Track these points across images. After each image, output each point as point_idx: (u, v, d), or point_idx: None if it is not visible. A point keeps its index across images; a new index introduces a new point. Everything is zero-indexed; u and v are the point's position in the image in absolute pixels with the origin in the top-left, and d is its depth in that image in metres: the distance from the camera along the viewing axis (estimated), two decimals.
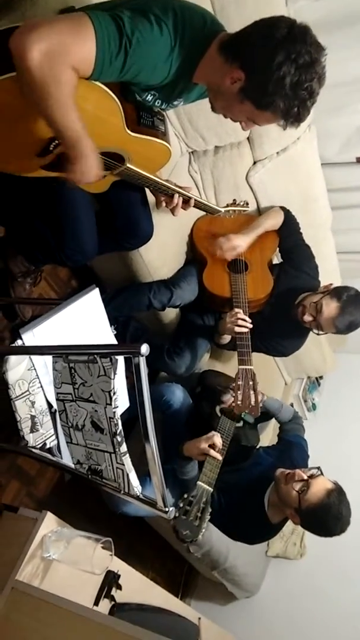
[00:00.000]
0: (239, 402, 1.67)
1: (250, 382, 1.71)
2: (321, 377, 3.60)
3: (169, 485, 1.90)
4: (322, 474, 1.69)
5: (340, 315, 1.92)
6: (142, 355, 1.02)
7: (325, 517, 1.59)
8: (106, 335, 1.64)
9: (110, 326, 2.28)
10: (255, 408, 1.67)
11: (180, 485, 1.82)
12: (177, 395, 2.01)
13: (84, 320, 1.54)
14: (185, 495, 1.48)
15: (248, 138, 2.21)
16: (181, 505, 1.45)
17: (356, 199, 2.69)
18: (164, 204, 1.65)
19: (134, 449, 2.32)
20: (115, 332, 2.30)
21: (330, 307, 1.92)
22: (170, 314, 2.26)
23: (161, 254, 2.04)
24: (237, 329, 1.85)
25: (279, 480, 1.71)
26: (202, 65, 1.20)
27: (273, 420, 2.21)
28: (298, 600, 2.78)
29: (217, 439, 1.63)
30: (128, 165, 1.33)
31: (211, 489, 1.53)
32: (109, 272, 2.12)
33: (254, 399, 1.67)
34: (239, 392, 1.69)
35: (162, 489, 1.08)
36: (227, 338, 2.04)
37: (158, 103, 1.28)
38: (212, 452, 1.61)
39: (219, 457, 1.60)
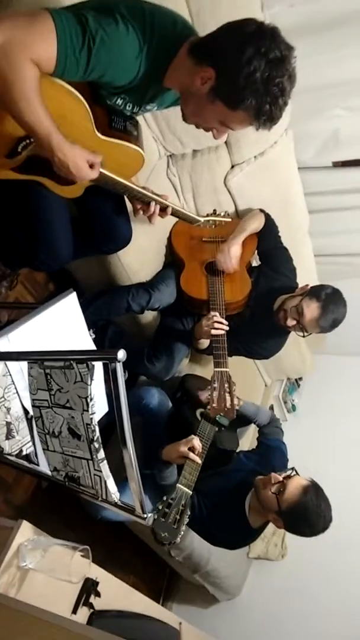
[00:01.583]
0: (214, 405, 1.68)
1: (226, 385, 1.71)
2: (301, 379, 3.63)
3: (148, 491, 1.90)
4: (297, 474, 1.70)
5: (323, 314, 1.94)
6: (119, 361, 1.01)
7: (306, 514, 1.60)
8: (84, 340, 1.62)
9: (89, 330, 2.28)
10: (231, 410, 1.67)
11: (160, 490, 1.82)
12: (157, 398, 2.00)
13: (61, 325, 1.53)
14: (165, 498, 1.48)
15: (226, 142, 2.22)
16: (160, 507, 1.45)
17: (332, 203, 2.73)
18: (140, 212, 1.63)
19: (114, 454, 2.32)
20: (93, 337, 2.30)
21: (311, 309, 1.93)
22: (149, 317, 2.25)
23: (139, 257, 2.04)
24: (213, 332, 1.85)
25: (257, 487, 1.72)
26: (172, 69, 1.19)
27: (253, 425, 2.22)
28: (280, 600, 2.80)
29: (197, 442, 1.64)
30: (101, 170, 1.32)
31: (190, 492, 1.53)
32: (87, 275, 2.11)
33: (229, 401, 1.68)
34: (214, 394, 1.69)
35: (140, 495, 1.07)
36: (205, 343, 2.04)
37: (129, 107, 1.27)
38: (192, 455, 1.61)
39: (198, 460, 1.61)
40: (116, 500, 1.12)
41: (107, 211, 1.64)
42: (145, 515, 1.08)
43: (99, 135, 1.23)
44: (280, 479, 1.66)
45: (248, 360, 3.04)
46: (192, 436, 1.67)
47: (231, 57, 1.08)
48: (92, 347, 1.65)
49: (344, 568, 2.76)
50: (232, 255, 2.04)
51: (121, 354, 1.00)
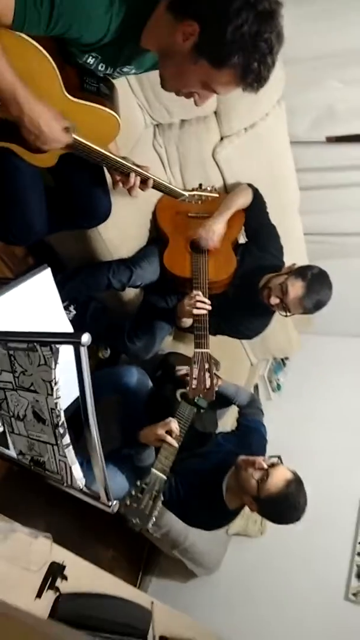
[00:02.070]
0: (193, 386, 1.64)
1: (206, 366, 1.67)
2: (287, 358, 3.61)
3: (127, 471, 1.88)
4: (282, 463, 1.68)
5: (307, 294, 1.88)
6: (83, 345, 0.96)
7: (283, 507, 1.59)
8: (58, 318, 1.56)
9: (70, 306, 2.21)
10: (210, 392, 1.64)
11: (137, 471, 1.80)
12: (136, 377, 1.96)
13: (35, 302, 1.46)
14: (138, 483, 1.45)
15: (215, 112, 2.12)
16: (132, 493, 1.42)
17: (325, 180, 2.65)
18: (120, 184, 1.55)
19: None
20: (74, 313, 2.23)
21: (295, 287, 1.88)
22: (132, 294, 2.19)
23: (121, 232, 1.96)
24: (195, 312, 1.80)
25: (239, 467, 1.69)
26: (149, 27, 1.10)
27: (233, 406, 2.19)
28: (257, 577, 2.83)
29: (174, 425, 1.60)
30: (73, 135, 1.24)
31: (165, 477, 1.50)
32: (68, 250, 2.03)
33: (208, 382, 1.64)
34: (193, 375, 1.65)
35: (104, 482, 1.04)
36: (188, 322, 1.99)
37: (102, 67, 1.17)
38: (168, 439, 1.57)
39: (175, 443, 1.57)
40: (81, 487, 1.09)
41: (85, 183, 1.56)
42: (110, 503, 1.05)
43: (69, 96, 1.14)
44: (265, 466, 1.64)
45: (233, 339, 3.02)
46: (170, 419, 1.63)
47: (217, 8, 0.99)
48: (67, 325, 1.59)
49: (320, 547, 2.79)
50: (215, 232, 1.98)
51: (85, 338, 0.95)
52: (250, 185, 2.19)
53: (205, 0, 1.00)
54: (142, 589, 2.86)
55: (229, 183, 2.30)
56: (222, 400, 2.09)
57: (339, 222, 2.86)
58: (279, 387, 3.49)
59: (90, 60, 1.14)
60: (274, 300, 1.91)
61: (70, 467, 1.08)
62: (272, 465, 1.63)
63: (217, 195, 1.90)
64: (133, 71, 1.28)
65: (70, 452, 1.07)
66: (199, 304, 1.82)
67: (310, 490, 2.43)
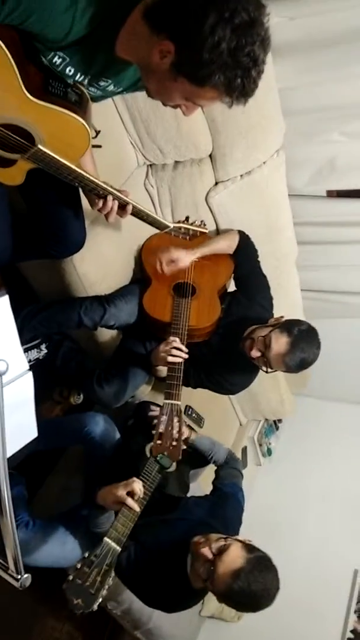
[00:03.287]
0: (158, 442, 1.45)
1: (175, 420, 1.49)
2: (280, 421, 3.39)
3: (79, 537, 1.65)
4: (237, 540, 1.43)
5: (291, 351, 1.72)
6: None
7: (238, 601, 1.35)
8: (11, 347, 1.41)
9: (41, 344, 2.07)
10: (176, 450, 1.44)
11: (92, 538, 1.57)
12: (101, 426, 1.77)
13: None
14: (87, 554, 1.20)
15: (210, 156, 2.06)
16: (79, 566, 1.18)
17: (324, 235, 2.56)
18: (100, 204, 1.43)
19: (54, 483, 2.08)
20: (45, 352, 2.09)
21: (279, 343, 1.72)
22: (108, 337, 2.04)
23: (100, 268, 1.85)
24: (170, 359, 1.64)
25: (193, 552, 1.46)
26: (124, 33, 1.02)
27: (210, 465, 1.97)
28: None
29: (137, 486, 1.35)
30: (39, 147, 1.13)
31: (119, 549, 1.26)
32: (41, 282, 1.92)
33: (176, 439, 1.45)
34: (160, 429, 1.47)
35: (13, 547, 0.84)
36: (164, 370, 1.81)
37: (70, 71, 1.08)
38: (129, 501, 1.32)
39: (137, 507, 1.33)
40: None
41: (56, 208, 1.45)
42: (18, 577, 0.85)
43: (29, 95, 1.03)
44: (210, 556, 1.39)
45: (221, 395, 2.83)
46: (134, 478, 1.39)
47: (191, 27, 0.91)
48: (21, 357, 1.43)
49: (309, 630, 2.48)
50: (171, 257, 1.85)
51: (2, 366, 0.79)
52: (240, 231, 2.08)
53: (178, 17, 0.93)
54: None
55: (222, 228, 2.20)
56: (197, 458, 1.88)
57: (338, 279, 2.74)
58: (269, 451, 3.25)
59: (57, 60, 1.05)
60: (255, 354, 1.75)
61: None
62: (221, 550, 1.37)
63: (205, 230, 1.79)
64: (111, 87, 1.19)
65: None
66: (174, 351, 1.66)
67: (300, 565, 2.16)
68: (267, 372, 1.80)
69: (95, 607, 1.15)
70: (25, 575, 0.86)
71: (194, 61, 0.94)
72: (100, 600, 1.16)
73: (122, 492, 1.34)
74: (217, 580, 1.33)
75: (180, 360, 1.65)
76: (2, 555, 0.89)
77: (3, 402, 0.82)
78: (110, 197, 1.40)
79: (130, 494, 1.34)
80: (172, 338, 1.70)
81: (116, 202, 1.43)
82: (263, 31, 0.93)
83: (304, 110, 2.15)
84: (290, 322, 1.78)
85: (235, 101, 1.01)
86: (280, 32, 1.95)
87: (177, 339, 1.70)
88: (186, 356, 1.67)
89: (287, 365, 1.72)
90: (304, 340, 1.72)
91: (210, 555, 1.36)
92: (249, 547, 1.41)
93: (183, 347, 1.68)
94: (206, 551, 1.37)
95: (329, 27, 1.93)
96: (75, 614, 1.15)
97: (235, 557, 1.36)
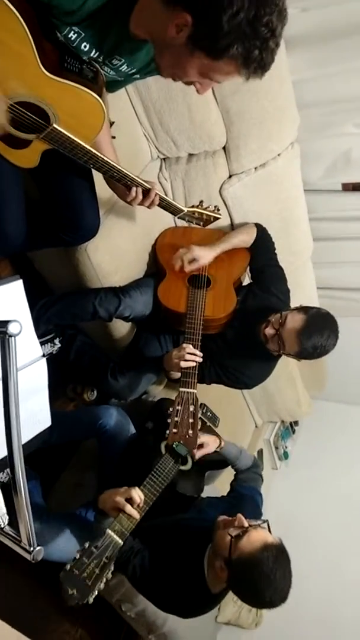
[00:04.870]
0: (174, 430, 1.41)
1: (191, 408, 1.45)
2: (296, 424, 3.32)
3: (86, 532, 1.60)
4: (268, 528, 1.40)
5: (306, 329, 1.65)
6: (11, 336, 0.78)
7: (254, 574, 1.28)
8: (25, 332, 1.39)
9: (55, 339, 2.05)
10: (193, 439, 1.40)
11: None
12: (115, 418, 1.74)
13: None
14: (87, 544, 1.16)
15: (224, 148, 2.05)
16: (78, 556, 1.13)
17: (340, 230, 2.52)
18: (133, 195, 1.47)
19: (68, 479, 2.04)
20: (59, 346, 2.07)
21: (295, 319, 1.67)
22: (124, 330, 2.02)
23: (114, 259, 1.83)
24: (183, 364, 1.60)
25: (217, 527, 1.42)
26: (138, 9, 1.01)
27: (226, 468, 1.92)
28: None
29: (135, 494, 1.30)
30: (54, 125, 1.13)
31: (121, 542, 1.21)
32: (55, 273, 1.91)
33: (192, 428, 1.41)
34: (175, 418, 1.43)
35: (27, 524, 0.81)
36: (176, 374, 1.78)
37: (85, 47, 1.08)
38: (128, 508, 1.28)
39: (136, 515, 1.28)
40: (2, 525, 0.86)
41: (72, 193, 1.45)
42: (30, 549, 0.82)
43: (45, 72, 1.03)
44: (246, 524, 1.36)
45: (236, 395, 2.78)
46: (134, 487, 1.33)
47: None
48: (35, 345, 1.42)
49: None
50: (194, 255, 1.84)
51: (14, 326, 0.77)
52: (257, 224, 2.07)
53: None
54: None
55: (236, 222, 2.18)
56: (215, 459, 1.83)
57: (355, 277, 2.69)
58: (285, 455, 3.18)
59: (72, 36, 1.05)
60: (269, 331, 1.70)
61: None
62: (255, 527, 1.35)
63: (219, 215, 1.77)
64: (125, 67, 1.19)
65: None
66: (188, 356, 1.62)
67: (317, 573, 2.08)
68: (279, 353, 1.74)
69: (90, 599, 1.10)
70: (38, 548, 0.83)
71: (212, 32, 0.92)
72: (97, 593, 1.12)
73: (120, 499, 1.30)
74: (246, 543, 1.30)
75: (194, 364, 1.61)
76: (16, 531, 0.87)
77: (17, 366, 0.79)
78: (134, 187, 1.42)
79: (129, 501, 1.29)
80: (185, 344, 1.66)
81: (140, 189, 1.44)
82: (280, 1, 0.92)
83: (318, 103, 2.13)
84: (310, 306, 1.74)
85: (253, 74, 0.99)
86: (293, 24, 1.90)
87: (190, 345, 1.66)
88: (200, 360, 1.64)
89: (300, 344, 1.65)
90: (321, 322, 1.68)
91: (246, 524, 1.37)
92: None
93: (197, 352, 1.64)
94: (243, 519, 1.38)
95: (343, 18, 1.92)
96: (70, 604, 1.10)
97: (269, 535, 1.35)
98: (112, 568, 1.15)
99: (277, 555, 1.29)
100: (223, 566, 1.33)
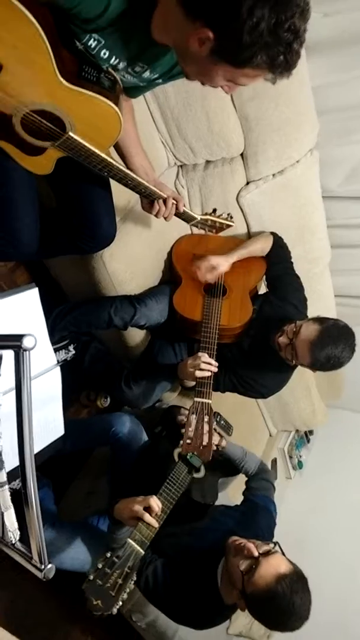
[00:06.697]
0: (187, 440, 1.39)
1: (206, 419, 1.43)
2: (311, 433, 3.27)
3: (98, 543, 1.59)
4: (280, 551, 1.36)
5: (319, 340, 1.61)
6: (25, 350, 0.76)
7: (272, 609, 1.25)
8: (40, 340, 1.38)
9: (70, 345, 2.05)
10: (207, 450, 1.38)
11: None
12: (128, 426, 1.73)
13: (15, 321, 1.30)
14: (109, 554, 1.15)
15: (242, 155, 2.03)
16: (100, 566, 1.13)
17: (359, 238, 2.47)
18: (156, 208, 1.50)
19: (80, 487, 2.03)
20: (73, 352, 2.07)
21: (309, 329, 1.64)
22: (138, 338, 2.01)
23: (129, 267, 1.82)
24: (198, 374, 1.58)
25: (228, 551, 1.39)
26: (158, 15, 1.00)
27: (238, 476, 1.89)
28: None
29: (154, 502, 1.29)
30: (70, 134, 1.12)
31: (142, 551, 1.20)
32: (71, 281, 1.90)
33: (207, 439, 1.39)
34: (190, 428, 1.41)
35: (38, 541, 0.80)
36: (190, 383, 1.76)
37: (105, 55, 1.06)
38: (147, 517, 1.26)
39: (155, 524, 1.26)
40: (13, 540, 0.85)
41: (89, 201, 1.44)
42: (42, 567, 0.80)
43: (63, 80, 1.02)
44: (256, 554, 1.31)
45: (251, 403, 2.75)
46: (152, 496, 1.32)
47: (227, 10, 0.89)
48: (50, 353, 1.41)
49: None
50: (211, 264, 1.81)
51: (30, 342, 0.76)
52: (273, 233, 2.04)
53: (215, 3, 0.90)
54: None
55: (253, 230, 2.16)
56: (227, 466, 1.81)
57: None
58: (300, 464, 3.13)
59: (92, 43, 1.03)
60: (283, 340, 1.67)
61: (1, 513, 0.85)
62: (266, 553, 1.30)
63: (232, 223, 1.75)
64: (147, 73, 1.17)
65: (4, 493, 0.85)
66: (204, 365, 1.60)
67: (331, 585, 2.03)
68: (292, 362, 1.71)
69: (114, 610, 1.10)
70: (50, 566, 0.81)
71: (234, 45, 0.91)
72: (121, 603, 1.11)
73: (138, 507, 1.27)
74: (258, 579, 1.25)
75: (209, 374, 1.59)
76: (27, 546, 0.85)
77: (30, 380, 0.78)
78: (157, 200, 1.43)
79: (148, 509, 1.27)
80: (200, 353, 1.64)
81: (170, 200, 1.47)
82: (302, 1, 0.90)
83: (338, 109, 2.10)
84: (327, 317, 1.71)
85: (279, 76, 0.98)
86: (314, 29, 1.91)
87: (206, 354, 1.64)
88: (215, 369, 1.61)
89: (313, 355, 1.61)
90: (335, 334, 1.63)
91: (256, 553, 1.29)
92: (292, 562, 1.33)
93: (212, 361, 1.62)
94: (252, 548, 1.30)
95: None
96: (94, 615, 1.10)
97: (281, 562, 1.29)
98: (135, 578, 1.14)
99: (291, 584, 1.24)
100: (240, 596, 1.30)
